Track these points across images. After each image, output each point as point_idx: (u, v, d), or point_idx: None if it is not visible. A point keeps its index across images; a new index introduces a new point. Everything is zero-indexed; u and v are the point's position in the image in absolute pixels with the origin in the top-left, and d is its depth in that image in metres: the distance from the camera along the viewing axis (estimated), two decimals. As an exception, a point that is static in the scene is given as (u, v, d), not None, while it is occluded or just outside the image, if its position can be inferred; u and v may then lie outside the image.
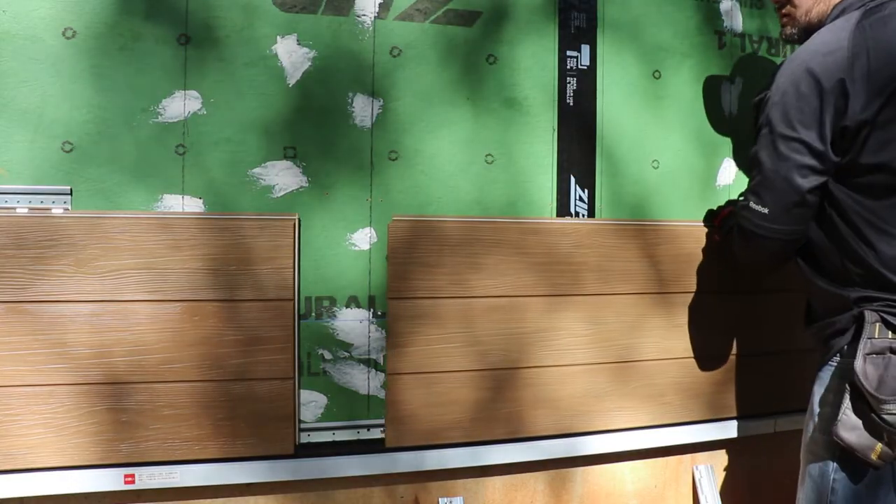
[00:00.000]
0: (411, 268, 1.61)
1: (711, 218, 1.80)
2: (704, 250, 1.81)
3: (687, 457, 1.91)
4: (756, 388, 1.91)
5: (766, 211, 1.36)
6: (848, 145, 1.32)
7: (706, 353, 1.87)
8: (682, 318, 1.83)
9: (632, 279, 1.78)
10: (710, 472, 1.91)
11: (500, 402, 1.68)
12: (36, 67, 1.47)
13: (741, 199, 1.39)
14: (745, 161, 1.95)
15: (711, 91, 1.93)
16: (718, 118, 1.94)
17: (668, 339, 1.82)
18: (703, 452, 1.92)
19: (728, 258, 1.77)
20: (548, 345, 1.70)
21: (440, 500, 1.68)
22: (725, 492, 1.92)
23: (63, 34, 1.48)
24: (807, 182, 1.34)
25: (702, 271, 1.84)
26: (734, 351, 1.90)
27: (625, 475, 1.86)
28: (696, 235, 1.84)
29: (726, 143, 1.97)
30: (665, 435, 1.83)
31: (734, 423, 1.89)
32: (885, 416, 1.26)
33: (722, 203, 1.84)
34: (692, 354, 1.85)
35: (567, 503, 1.80)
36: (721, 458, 1.94)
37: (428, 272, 1.63)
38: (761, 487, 1.96)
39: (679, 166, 1.92)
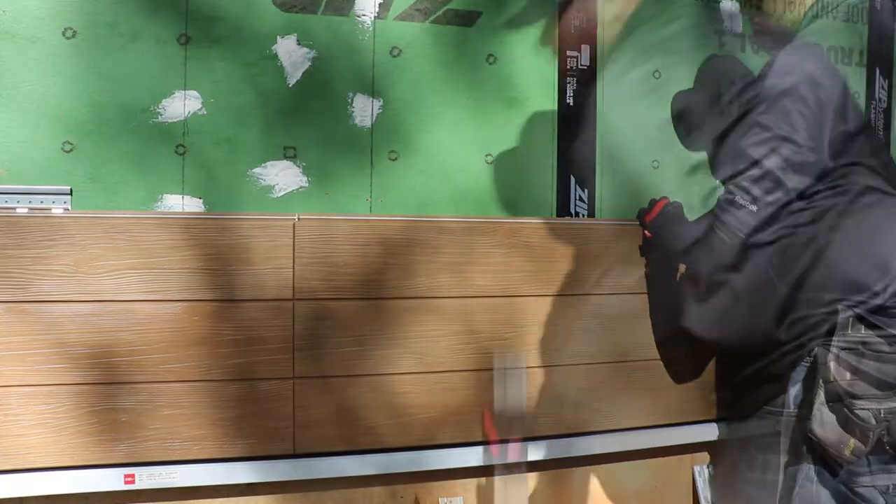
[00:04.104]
0: (319, 268, 1.53)
1: (644, 214, 1.70)
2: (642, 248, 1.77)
3: (687, 457, 1.91)
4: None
5: (754, 208, 1.36)
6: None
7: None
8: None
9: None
10: (710, 472, 1.91)
11: (416, 408, 1.60)
12: (36, 67, 1.47)
13: (728, 194, 1.40)
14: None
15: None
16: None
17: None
18: (704, 452, 1.92)
19: (655, 253, 1.70)
20: (464, 348, 1.62)
21: (440, 500, 1.67)
22: (725, 492, 1.92)
23: (63, 34, 1.48)
24: (797, 183, 1.36)
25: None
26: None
27: (625, 475, 1.86)
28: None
29: (726, 143, 1.97)
30: (665, 435, 1.82)
31: (734, 424, 1.88)
32: (858, 412, 1.30)
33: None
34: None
35: (567, 503, 1.80)
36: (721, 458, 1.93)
37: (335, 273, 1.54)
38: (761, 487, 1.96)
39: (679, 166, 1.91)
